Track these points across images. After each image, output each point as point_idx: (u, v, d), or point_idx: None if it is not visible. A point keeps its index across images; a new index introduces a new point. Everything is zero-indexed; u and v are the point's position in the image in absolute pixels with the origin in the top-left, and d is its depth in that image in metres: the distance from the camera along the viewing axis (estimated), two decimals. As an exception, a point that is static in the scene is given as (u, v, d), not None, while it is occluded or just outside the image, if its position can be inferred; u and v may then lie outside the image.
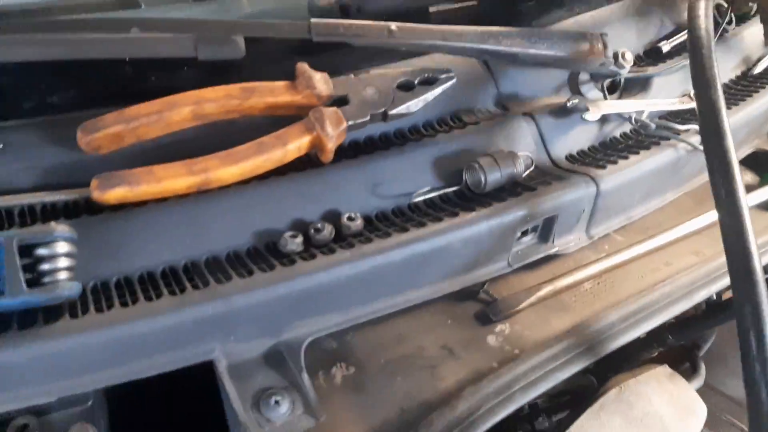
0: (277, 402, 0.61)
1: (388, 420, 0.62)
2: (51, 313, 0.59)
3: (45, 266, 0.58)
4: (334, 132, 0.72)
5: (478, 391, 0.62)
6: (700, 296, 0.77)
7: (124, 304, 0.60)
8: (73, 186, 0.69)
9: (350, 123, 0.74)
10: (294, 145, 0.72)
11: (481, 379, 0.64)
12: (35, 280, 0.58)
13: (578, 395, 0.84)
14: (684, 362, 0.91)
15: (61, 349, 0.57)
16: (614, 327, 0.72)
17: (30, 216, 0.66)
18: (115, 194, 0.66)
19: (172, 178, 0.68)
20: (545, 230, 0.80)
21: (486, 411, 0.60)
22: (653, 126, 0.90)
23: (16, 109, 0.73)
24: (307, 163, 0.77)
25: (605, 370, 0.85)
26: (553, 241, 0.81)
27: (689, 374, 0.88)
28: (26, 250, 0.58)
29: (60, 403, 0.60)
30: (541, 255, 0.80)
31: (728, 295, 0.89)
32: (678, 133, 0.89)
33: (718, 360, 0.94)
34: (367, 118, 0.76)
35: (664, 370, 0.82)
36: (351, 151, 0.79)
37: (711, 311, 0.90)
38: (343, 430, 0.62)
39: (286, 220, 0.71)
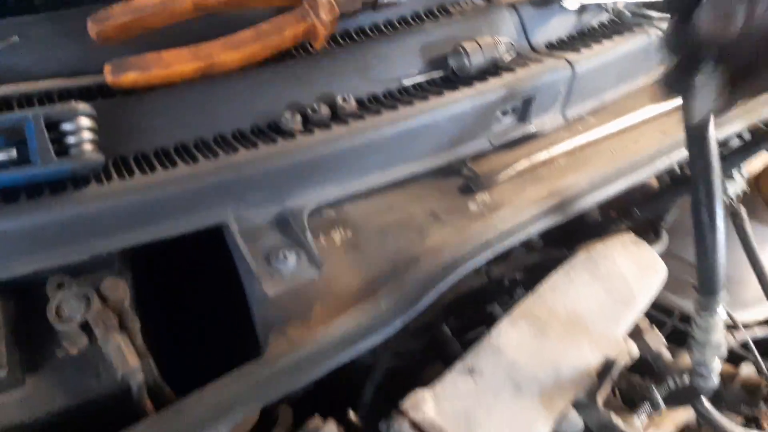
0: (284, 256, 0.69)
1: (382, 270, 0.71)
2: (78, 182, 0.66)
3: (71, 139, 0.65)
4: (327, 18, 0.77)
5: (461, 242, 0.71)
6: (662, 163, 0.85)
7: (144, 173, 0.67)
8: (85, 74, 0.75)
9: (342, 11, 0.79)
10: (290, 31, 0.77)
11: (463, 233, 0.73)
12: (63, 151, 0.65)
13: (553, 269, 0.93)
14: (648, 234, 1.00)
15: (90, 211, 0.65)
16: (584, 191, 0.80)
17: (48, 101, 0.72)
18: (127, 78, 0.72)
19: (180, 63, 0.73)
20: (523, 111, 0.86)
21: (467, 255, 0.69)
22: (629, 14, 0.95)
23: (29, 4, 0.77)
24: (303, 52, 0.82)
25: (577, 244, 0.94)
26: (530, 121, 0.88)
27: (652, 240, 0.97)
28: (52, 126, 0.65)
29: (88, 265, 0.69)
30: (519, 134, 0.87)
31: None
32: (652, 20, 0.94)
33: (680, 232, 1.02)
34: (359, 6, 0.81)
35: (629, 236, 0.90)
36: (343, 40, 0.84)
37: (674, 183, 0.98)
38: (342, 280, 0.71)
39: (285, 103, 0.77)
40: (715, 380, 0.82)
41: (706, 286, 0.70)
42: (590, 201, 0.79)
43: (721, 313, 0.75)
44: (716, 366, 0.81)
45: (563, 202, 0.77)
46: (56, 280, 0.67)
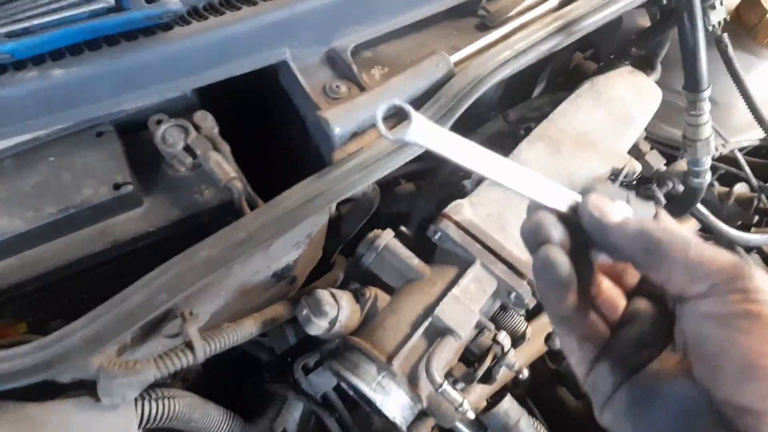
0: (338, 86, 0.83)
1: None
2: (164, 27, 0.78)
3: (155, -9, 0.78)
4: None
5: (483, 60, 0.84)
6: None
7: (215, 15, 0.80)
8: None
9: None
10: None
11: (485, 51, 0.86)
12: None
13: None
14: (645, 68, 1.11)
15: (178, 49, 0.78)
16: (588, 14, 0.91)
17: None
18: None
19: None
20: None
21: (488, 75, 0.82)
22: None
23: None
24: None
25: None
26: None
27: (648, 71, 1.09)
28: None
29: (179, 108, 0.83)
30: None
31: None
32: None
33: (673, 65, 1.13)
34: None
35: (627, 68, 1.03)
36: None
37: (663, 17, 1.09)
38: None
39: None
40: (707, 178, 0.97)
41: (692, 83, 0.83)
42: (593, 21, 0.91)
43: (707, 110, 0.88)
44: (707, 162, 0.95)
45: (569, 23, 0.90)
46: (156, 118, 0.81)
